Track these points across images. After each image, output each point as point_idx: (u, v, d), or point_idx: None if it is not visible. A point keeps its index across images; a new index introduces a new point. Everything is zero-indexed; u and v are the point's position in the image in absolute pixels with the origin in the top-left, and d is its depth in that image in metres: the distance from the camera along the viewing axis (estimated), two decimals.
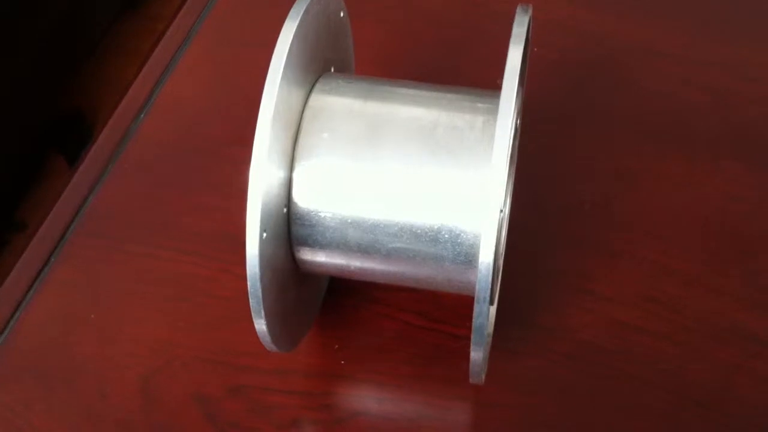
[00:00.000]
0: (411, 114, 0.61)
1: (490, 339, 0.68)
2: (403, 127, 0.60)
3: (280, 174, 0.58)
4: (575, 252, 0.76)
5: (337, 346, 0.72)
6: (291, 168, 0.60)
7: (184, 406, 0.70)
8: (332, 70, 0.66)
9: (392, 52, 0.88)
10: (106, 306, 0.75)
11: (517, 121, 0.65)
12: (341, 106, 0.61)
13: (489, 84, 0.65)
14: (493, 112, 0.58)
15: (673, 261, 0.75)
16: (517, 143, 0.72)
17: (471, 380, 0.60)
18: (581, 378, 0.70)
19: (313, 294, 0.69)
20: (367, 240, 0.60)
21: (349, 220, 0.60)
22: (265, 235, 0.56)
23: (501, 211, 0.56)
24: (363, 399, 0.70)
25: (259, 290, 0.56)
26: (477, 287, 0.54)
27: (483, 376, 0.64)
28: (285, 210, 0.60)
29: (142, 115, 0.85)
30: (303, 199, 0.60)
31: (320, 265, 0.63)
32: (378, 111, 0.61)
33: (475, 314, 0.55)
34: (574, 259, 0.75)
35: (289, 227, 0.61)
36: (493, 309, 0.70)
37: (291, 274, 0.63)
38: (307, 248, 0.62)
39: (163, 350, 0.73)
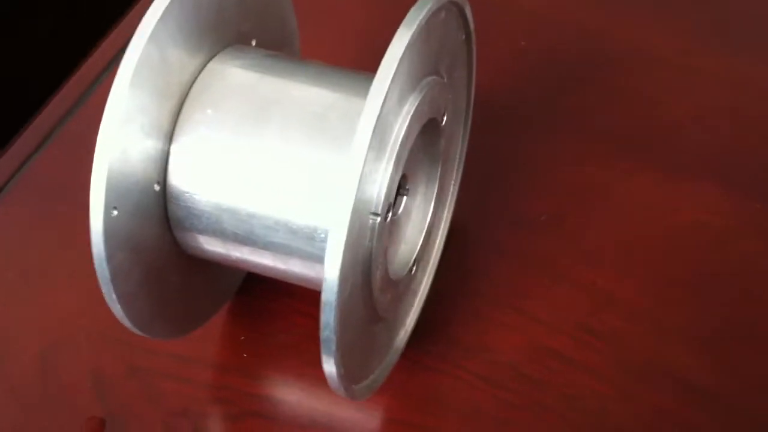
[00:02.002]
0: (305, 96, 0.54)
1: (395, 353, 0.61)
2: (293, 110, 0.53)
3: (146, 145, 0.52)
4: (516, 267, 0.68)
5: (243, 338, 0.66)
6: (169, 141, 0.53)
7: (80, 381, 0.65)
8: (253, 43, 0.60)
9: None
10: (26, 268, 0.70)
11: (444, 116, 0.57)
12: (234, 82, 0.54)
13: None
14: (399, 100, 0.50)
15: (622, 290, 0.66)
16: (462, 145, 0.64)
17: (336, 392, 0.53)
18: (491, 404, 0.62)
19: (219, 279, 0.63)
20: (243, 230, 0.54)
21: (224, 207, 0.53)
22: (116, 212, 0.50)
23: (380, 216, 0.49)
24: (260, 398, 0.64)
25: (107, 271, 0.50)
26: (322, 298, 0.47)
27: (366, 392, 0.56)
28: (157, 187, 0.53)
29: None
30: (177, 178, 0.54)
31: (202, 251, 0.56)
32: (271, 90, 0.54)
33: (321, 325, 0.48)
34: (513, 274, 0.67)
35: (166, 207, 0.55)
36: (411, 320, 0.63)
37: (170, 257, 0.56)
38: (186, 232, 0.55)
39: (72, 321, 0.68)
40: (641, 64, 0.79)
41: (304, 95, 0.54)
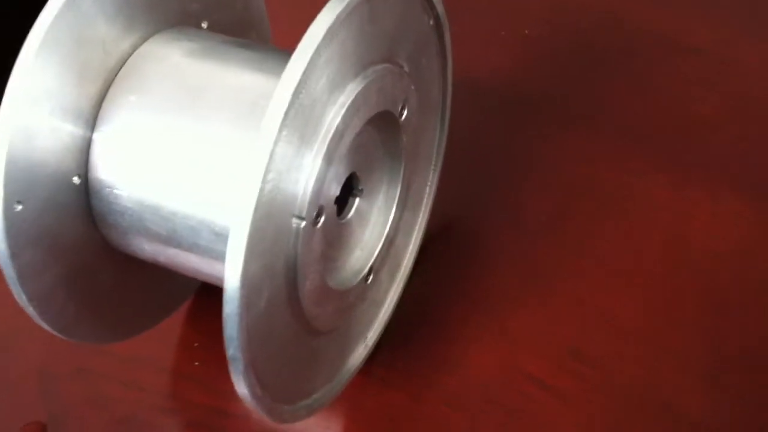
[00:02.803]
0: (239, 84, 0.48)
1: (349, 370, 0.55)
2: (224, 99, 0.47)
3: (61, 132, 0.47)
4: (501, 277, 0.61)
5: (196, 344, 0.61)
6: (91, 129, 0.48)
7: (25, 378, 0.61)
8: (204, 26, 0.54)
9: None
10: None
11: (402, 109, 0.51)
12: (164, 66, 0.49)
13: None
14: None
15: (618, 308, 0.59)
16: (438, 142, 0.58)
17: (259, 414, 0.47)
18: (450, 428, 0.55)
19: (167, 279, 0.58)
20: (167, 230, 0.48)
21: (146, 203, 0.48)
22: (20, 206, 0.45)
23: (304, 220, 0.43)
24: (207, 410, 0.59)
25: (12, 269, 0.46)
26: (223, 311, 0.41)
27: (304, 413, 0.51)
28: (77, 180, 0.48)
29: None
30: (98, 171, 0.49)
31: (132, 250, 0.51)
32: (205, 76, 0.49)
33: (225, 341, 0.42)
34: (497, 285, 0.60)
35: (89, 202, 0.50)
36: (374, 333, 0.57)
37: (99, 256, 0.51)
38: (110, 229, 0.50)
39: (22, 314, 0.63)
40: (670, 54, 0.72)
41: (238, 82, 0.48)
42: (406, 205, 0.56)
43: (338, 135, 0.45)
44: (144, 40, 0.50)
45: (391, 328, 0.59)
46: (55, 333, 0.50)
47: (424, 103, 0.54)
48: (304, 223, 0.44)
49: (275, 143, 0.40)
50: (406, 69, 0.50)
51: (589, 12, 0.71)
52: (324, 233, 0.47)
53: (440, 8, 0.52)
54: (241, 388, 0.44)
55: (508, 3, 0.72)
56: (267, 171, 0.40)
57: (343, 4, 0.42)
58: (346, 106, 0.45)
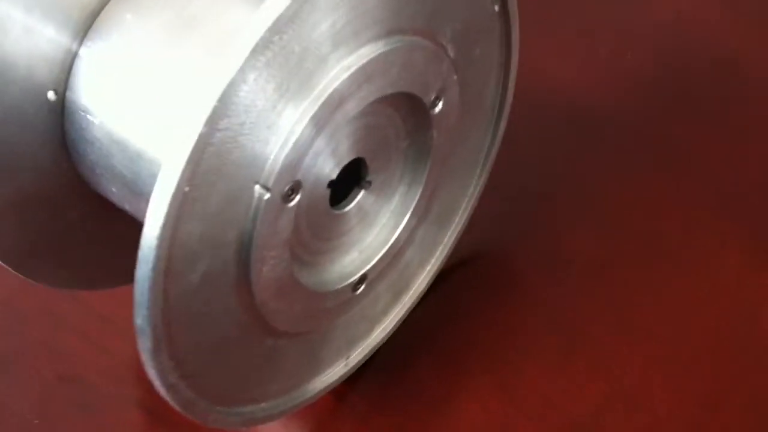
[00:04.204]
0: (241, 18, 0.41)
1: (318, 387, 0.47)
2: (219, 35, 0.40)
3: (40, 37, 0.40)
4: (518, 323, 0.51)
5: None
6: (79, 43, 0.42)
7: None
8: None
9: None
10: None
11: (436, 100, 0.42)
12: None
13: None
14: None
15: (650, 391, 0.49)
16: (486, 151, 0.49)
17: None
18: None
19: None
20: (131, 173, 0.41)
21: (115, 137, 0.41)
22: None
23: (270, 192, 0.36)
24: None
25: None
26: (136, 272, 0.34)
27: (240, 422, 0.43)
28: (53, 96, 0.42)
29: None
30: (77, 90, 0.42)
31: (102, 191, 0.45)
32: (206, 6, 0.41)
33: (134, 308, 0.35)
34: (512, 332, 0.51)
35: (63, 124, 0.43)
36: (359, 354, 0.48)
37: (66, 187, 0.45)
38: (80, 161, 0.44)
39: None
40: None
41: (240, 17, 0.40)
42: (427, 216, 0.47)
43: (335, 100, 0.37)
44: None
45: (383, 353, 0.50)
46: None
47: (471, 101, 0.45)
48: (268, 196, 0.36)
49: (231, 85, 0.32)
50: (450, 53, 0.42)
51: (708, 49, 0.61)
52: (301, 216, 0.39)
53: None
54: (149, 368, 0.36)
55: (619, 21, 0.62)
56: (218, 114, 0.32)
57: None
58: (353, 69, 0.37)
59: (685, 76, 0.59)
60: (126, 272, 0.48)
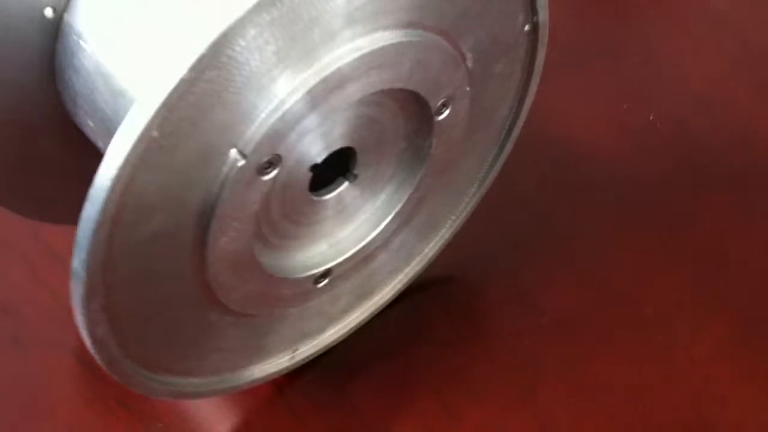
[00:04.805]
0: None
1: (257, 375, 0.44)
2: None
3: None
4: (470, 359, 0.49)
5: None
6: None
7: None
8: None
9: None
10: None
11: (444, 106, 0.40)
12: None
13: None
14: None
15: None
16: (486, 170, 0.47)
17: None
18: None
19: None
20: (111, 111, 0.39)
21: (102, 69, 0.39)
22: None
23: (245, 159, 0.34)
24: None
25: None
26: (84, 208, 0.31)
27: (163, 389, 0.40)
28: (50, 12, 0.40)
29: None
30: (75, 11, 0.40)
31: (78, 122, 0.42)
32: None
33: (75, 248, 0.32)
34: (447, 357, 0.48)
35: (54, 45, 0.41)
36: (307, 349, 0.46)
37: (43, 111, 0.42)
38: (65, 87, 0.41)
39: None
40: None
41: None
42: (409, 224, 0.45)
43: (337, 80, 0.34)
44: None
45: (333, 356, 0.47)
46: None
47: (480, 117, 0.43)
48: (243, 162, 0.34)
49: (224, 35, 0.30)
50: (469, 63, 0.39)
51: (732, 128, 0.58)
52: (275, 194, 0.37)
53: (543, 16, 0.41)
54: (78, 315, 0.34)
55: (649, 80, 0.60)
56: (204, 64, 0.30)
57: None
58: (363, 52, 0.34)
59: (703, 148, 0.57)
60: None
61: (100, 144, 0.41)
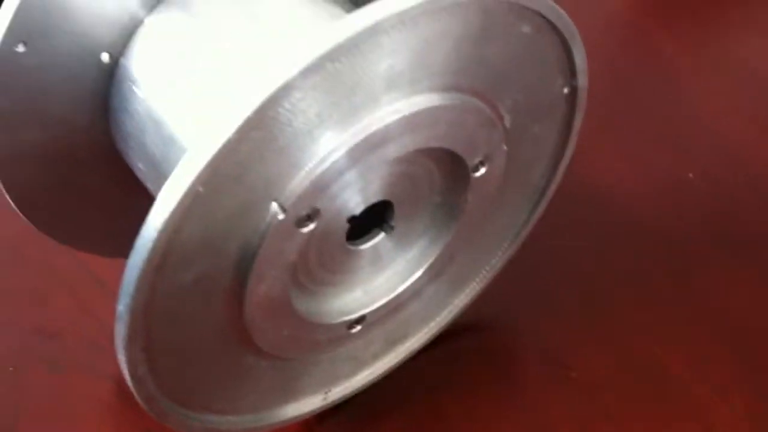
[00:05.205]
0: (299, 18, 0.40)
1: (288, 415, 0.45)
2: (277, 30, 0.40)
3: (108, 4, 0.40)
4: (482, 400, 0.49)
5: None
6: (147, 11, 0.41)
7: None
8: None
9: None
10: None
11: (480, 164, 0.41)
12: None
13: None
14: None
15: None
16: (519, 227, 0.48)
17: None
18: None
19: None
20: (160, 154, 0.41)
21: (153, 115, 0.41)
22: (22, 47, 0.39)
23: (284, 212, 0.35)
24: None
25: None
26: (129, 259, 0.33)
27: (190, 425, 0.41)
28: (107, 58, 0.42)
29: None
30: (131, 58, 0.42)
31: (129, 162, 0.44)
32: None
33: (120, 293, 0.34)
34: (470, 410, 0.49)
35: (109, 87, 0.43)
36: (339, 391, 0.47)
37: (94, 150, 0.44)
38: (117, 128, 0.43)
39: None
40: None
41: (300, 16, 0.40)
42: (442, 276, 0.46)
43: (376, 140, 0.36)
44: None
45: (362, 397, 0.48)
46: (7, 198, 0.43)
47: (516, 175, 0.44)
48: (282, 216, 0.35)
49: (270, 99, 0.31)
50: (506, 123, 0.41)
51: (761, 188, 0.59)
52: (313, 243, 0.38)
53: (582, 81, 0.42)
54: (120, 355, 0.35)
55: (684, 138, 0.60)
56: (250, 125, 0.31)
57: None
58: (401, 115, 0.36)
59: (737, 209, 0.57)
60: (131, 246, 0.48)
61: (148, 185, 0.43)
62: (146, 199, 0.42)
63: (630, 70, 0.67)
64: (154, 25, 0.41)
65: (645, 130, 0.61)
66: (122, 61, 0.42)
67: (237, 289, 0.37)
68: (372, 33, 0.32)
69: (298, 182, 0.35)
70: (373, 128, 0.35)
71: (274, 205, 0.35)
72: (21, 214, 0.45)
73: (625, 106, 0.63)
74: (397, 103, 0.36)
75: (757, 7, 0.73)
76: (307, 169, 0.35)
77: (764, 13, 0.72)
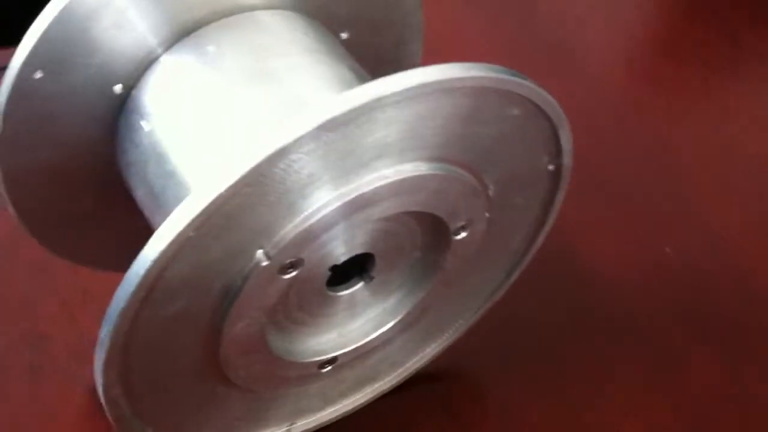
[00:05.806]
0: (317, 72, 0.42)
1: None
2: (285, 94, 0.42)
3: (126, 32, 0.42)
4: None
5: None
6: (165, 49, 0.44)
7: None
8: (343, 36, 0.49)
9: None
10: None
11: (461, 229, 0.43)
12: (260, 36, 0.44)
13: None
14: None
15: None
16: (492, 292, 0.50)
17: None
18: None
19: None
20: (159, 186, 0.43)
21: (158, 149, 0.43)
22: (40, 74, 0.41)
23: (269, 260, 0.37)
24: None
25: None
26: (119, 289, 0.35)
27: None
28: (119, 89, 0.44)
29: None
30: (144, 92, 0.44)
31: (128, 186, 0.46)
32: (286, 66, 0.43)
33: (105, 319, 0.36)
34: None
35: (119, 116, 0.45)
36: (303, 424, 0.49)
37: (96, 171, 0.47)
38: (121, 154, 0.45)
39: None
40: None
41: (318, 71, 0.42)
42: (415, 326, 0.48)
43: (363, 202, 0.38)
44: (271, 6, 0.45)
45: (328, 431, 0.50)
46: (11, 211, 0.46)
47: (496, 240, 0.46)
48: (266, 263, 0.37)
49: (265, 161, 0.33)
50: (490, 192, 0.43)
51: (741, 278, 0.61)
52: (293, 287, 0.40)
53: (567, 160, 0.44)
54: (97, 376, 0.37)
55: (665, 215, 0.63)
56: (244, 182, 0.34)
57: (453, 74, 0.35)
58: (388, 181, 0.38)
59: (707, 292, 0.59)
60: (123, 263, 0.50)
61: (145, 212, 0.45)
62: (142, 221, 0.45)
63: (619, 140, 0.69)
64: (168, 64, 0.43)
65: (624, 202, 0.63)
66: (134, 93, 0.44)
67: (216, 325, 0.39)
68: (368, 109, 0.34)
69: (285, 233, 0.37)
70: (362, 191, 0.38)
71: (260, 253, 0.37)
72: (28, 231, 0.47)
73: (609, 175, 0.65)
74: (385, 170, 0.38)
75: (749, 86, 0.76)
76: (295, 222, 0.37)
77: (756, 93, 0.75)
